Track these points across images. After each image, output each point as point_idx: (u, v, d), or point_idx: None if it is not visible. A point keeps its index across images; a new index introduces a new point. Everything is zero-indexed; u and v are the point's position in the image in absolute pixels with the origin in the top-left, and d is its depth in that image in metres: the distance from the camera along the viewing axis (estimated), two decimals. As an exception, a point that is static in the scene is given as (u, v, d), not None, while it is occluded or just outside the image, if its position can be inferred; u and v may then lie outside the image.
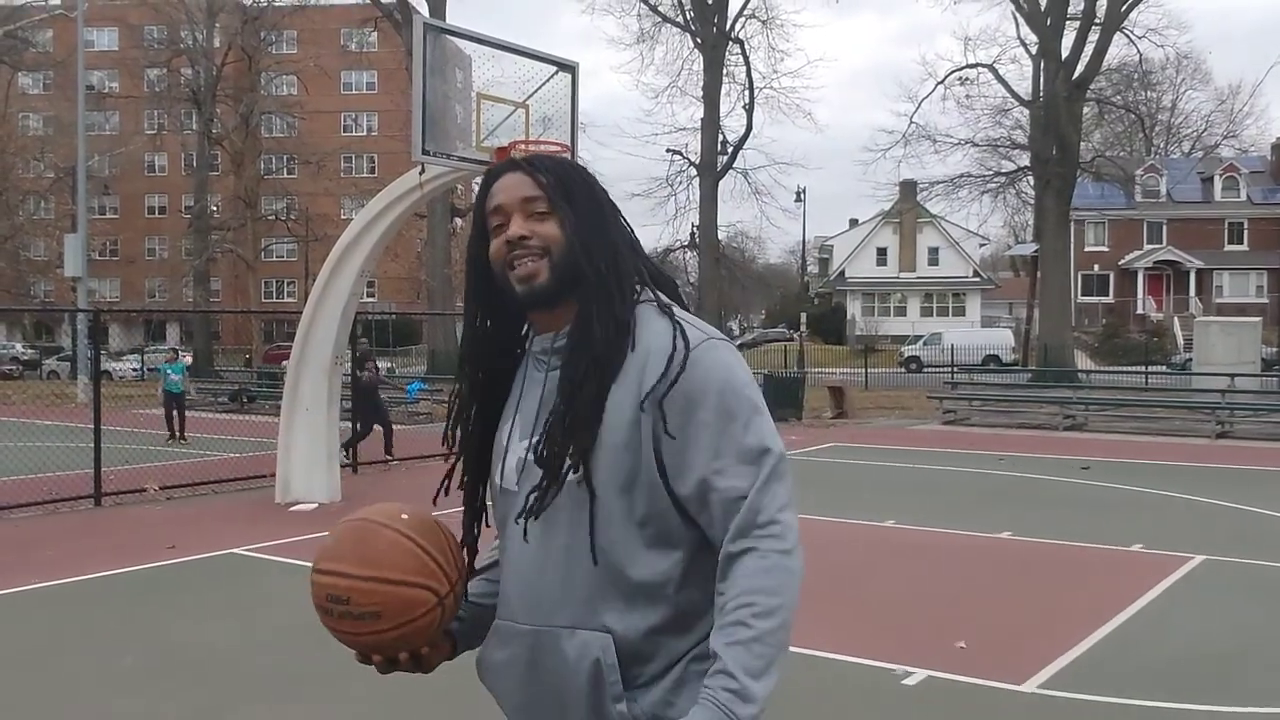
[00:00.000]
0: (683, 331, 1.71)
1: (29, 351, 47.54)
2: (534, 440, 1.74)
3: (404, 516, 1.77)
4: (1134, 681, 5.58)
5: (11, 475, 12.51)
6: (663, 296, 1.81)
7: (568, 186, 1.77)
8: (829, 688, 5.54)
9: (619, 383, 1.69)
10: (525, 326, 1.87)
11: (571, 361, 1.72)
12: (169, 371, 18.85)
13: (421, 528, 1.75)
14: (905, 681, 5.58)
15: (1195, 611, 7.12)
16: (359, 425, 15.10)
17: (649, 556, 1.68)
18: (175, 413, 18.47)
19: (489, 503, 1.88)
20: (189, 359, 40.97)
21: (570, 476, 1.68)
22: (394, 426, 16.05)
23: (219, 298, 57.98)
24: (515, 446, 1.78)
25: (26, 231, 47.88)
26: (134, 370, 41.00)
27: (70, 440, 13.46)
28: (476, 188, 1.96)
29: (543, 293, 1.74)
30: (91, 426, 11.94)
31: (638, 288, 1.79)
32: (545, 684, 1.73)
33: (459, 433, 1.87)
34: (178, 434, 18.27)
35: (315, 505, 11.31)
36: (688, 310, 1.82)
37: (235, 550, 9.06)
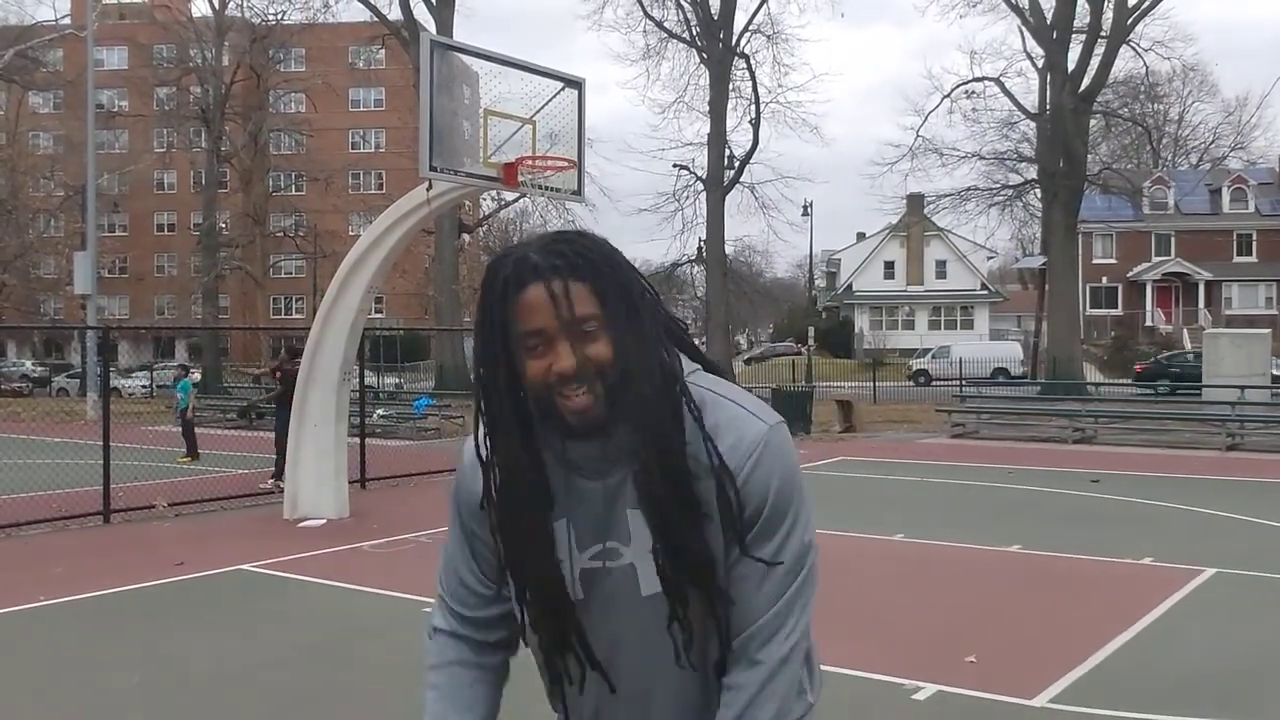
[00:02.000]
0: (748, 418, 1.62)
1: (39, 369, 47.74)
2: (612, 553, 1.63)
3: None
4: (1146, 696, 5.54)
5: (21, 492, 12.54)
6: (702, 370, 1.69)
7: (604, 288, 1.56)
8: (839, 703, 5.50)
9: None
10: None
11: (656, 490, 1.57)
12: (175, 390, 18.54)
13: None
14: (915, 696, 5.55)
15: (1208, 625, 7.08)
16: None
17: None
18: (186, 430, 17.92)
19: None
20: (196, 375, 41.21)
21: (676, 587, 1.59)
22: (403, 442, 15.96)
23: (227, 314, 58.23)
24: (575, 558, 1.64)
25: (36, 249, 48.16)
26: (143, 387, 41.12)
27: (79, 457, 13.50)
28: (487, 258, 1.76)
29: (597, 422, 1.57)
30: (100, 443, 11.98)
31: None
32: None
33: (528, 557, 1.65)
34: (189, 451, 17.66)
35: (324, 521, 11.31)
36: (717, 369, 1.74)
37: (243, 567, 9.05)
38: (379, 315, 56.34)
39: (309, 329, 12.17)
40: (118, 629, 7.17)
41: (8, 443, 17.53)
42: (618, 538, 1.62)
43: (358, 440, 14.48)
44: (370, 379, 29.70)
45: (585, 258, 1.57)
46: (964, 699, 5.54)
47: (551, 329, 1.54)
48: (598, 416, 1.56)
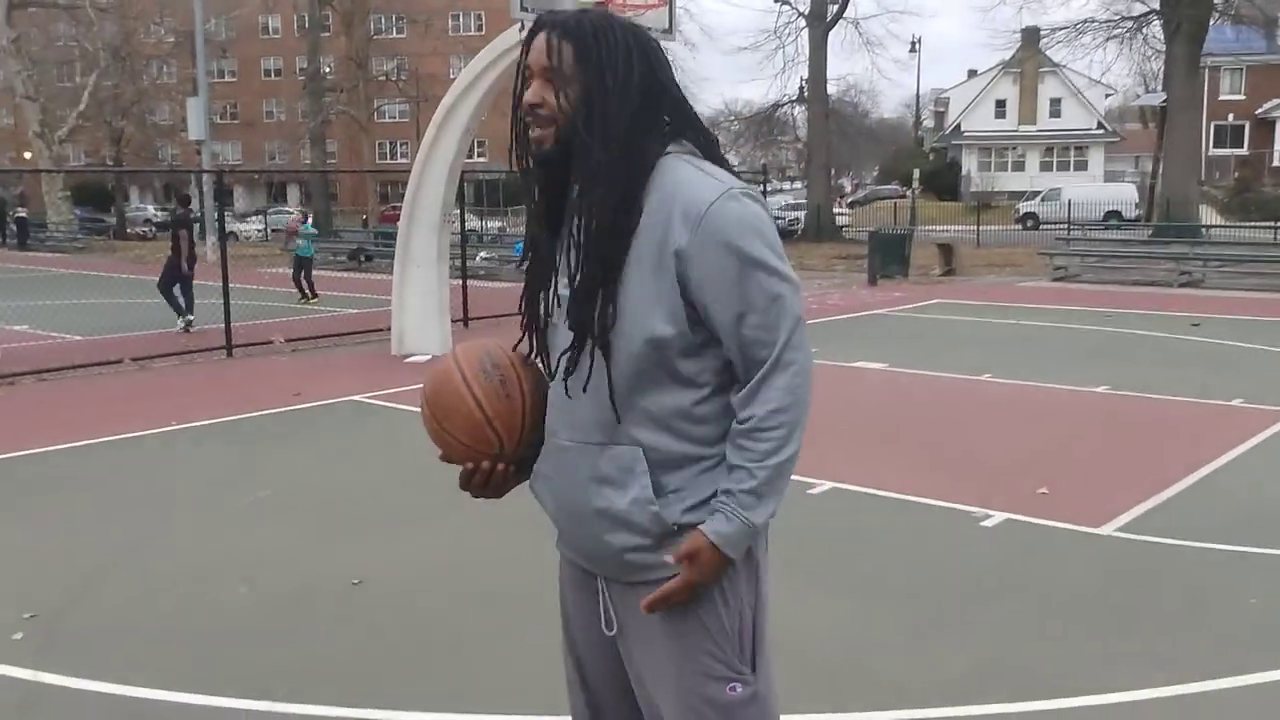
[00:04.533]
0: (702, 184, 1.82)
1: (160, 214, 49.42)
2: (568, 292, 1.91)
3: (484, 370, 1.98)
4: (1212, 529, 5.70)
5: (151, 329, 13.37)
6: (689, 147, 1.90)
7: (585, 54, 1.82)
8: (906, 527, 5.81)
9: (641, 235, 1.82)
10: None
11: (583, 230, 1.85)
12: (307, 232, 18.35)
13: (489, 391, 1.95)
14: (984, 523, 5.81)
15: (1287, 464, 7.14)
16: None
17: (676, 392, 1.87)
18: (306, 274, 18.09)
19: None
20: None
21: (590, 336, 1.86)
22: (505, 284, 16.23)
23: (335, 159, 59.04)
24: (556, 285, 1.96)
25: (151, 96, 49.14)
26: (258, 231, 42.39)
27: (201, 297, 14.26)
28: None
29: (548, 158, 1.88)
30: (220, 284, 12.65)
31: (666, 141, 1.88)
32: (579, 493, 1.92)
33: (531, 268, 2.04)
34: (309, 294, 17.95)
35: (429, 356, 11.87)
36: (724, 163, 1.92)
37: (355, 397, 9.66)
38: (482, 159, 56.59)
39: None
40: (245, 450, 7.80)
41: (135, 284, 18.51)
42: None
43: (460, 282, 14.96)
44: (473, 223, 30.11)
45: (583, 26, 1.85)
46: (1031, 526, 5.78)
47: (533, 67, 1.87)
48: (548, 153, 1.88)
